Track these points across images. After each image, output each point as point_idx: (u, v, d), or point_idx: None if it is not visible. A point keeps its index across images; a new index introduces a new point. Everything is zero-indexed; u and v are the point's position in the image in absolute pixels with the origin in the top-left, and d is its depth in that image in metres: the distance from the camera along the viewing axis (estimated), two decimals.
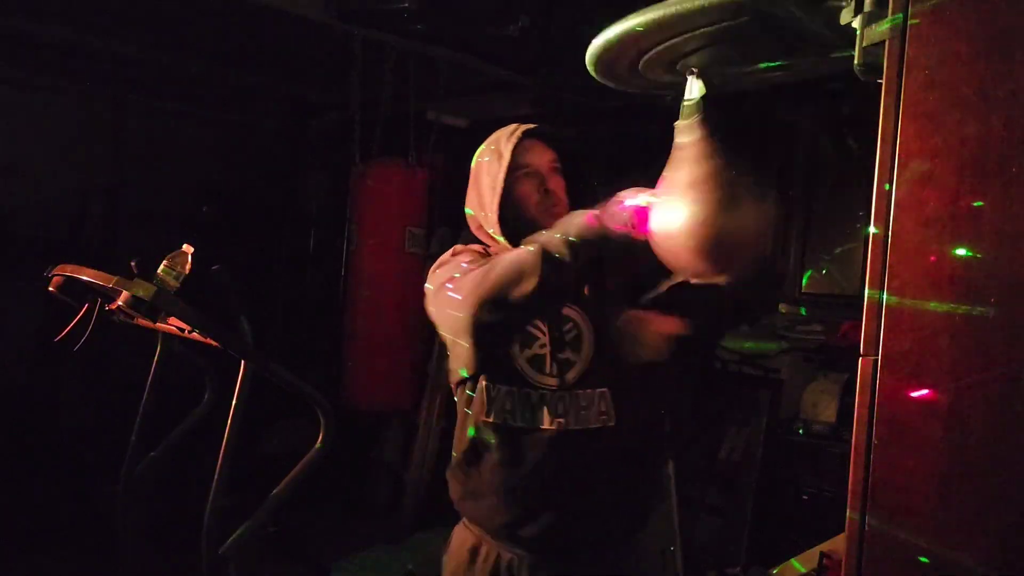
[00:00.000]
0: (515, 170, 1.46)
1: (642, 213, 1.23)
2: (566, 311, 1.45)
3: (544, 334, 1.44)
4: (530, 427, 1.42)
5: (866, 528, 0.74)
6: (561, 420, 1.42)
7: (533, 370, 1.43)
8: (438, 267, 1.50)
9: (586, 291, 1.49)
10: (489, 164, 1.49)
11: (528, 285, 1.25)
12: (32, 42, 3.41)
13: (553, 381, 1.43)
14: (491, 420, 1.44)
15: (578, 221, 1.28)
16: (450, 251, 1.54)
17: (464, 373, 1.49)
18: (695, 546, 3.33)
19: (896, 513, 0.73)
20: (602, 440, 1.43)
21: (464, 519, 1.56)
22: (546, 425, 1.42)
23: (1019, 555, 0.67)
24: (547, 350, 1.44)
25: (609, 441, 1.44)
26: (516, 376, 1.43)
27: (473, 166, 1.55)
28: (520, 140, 1.47)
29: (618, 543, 1.49)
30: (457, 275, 1.39)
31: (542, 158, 1.51)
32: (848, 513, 0.76)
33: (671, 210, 1.20)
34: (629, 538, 1.50)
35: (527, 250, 1.29)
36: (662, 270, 1.36)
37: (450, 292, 1.37)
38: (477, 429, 1.45)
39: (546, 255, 1.26)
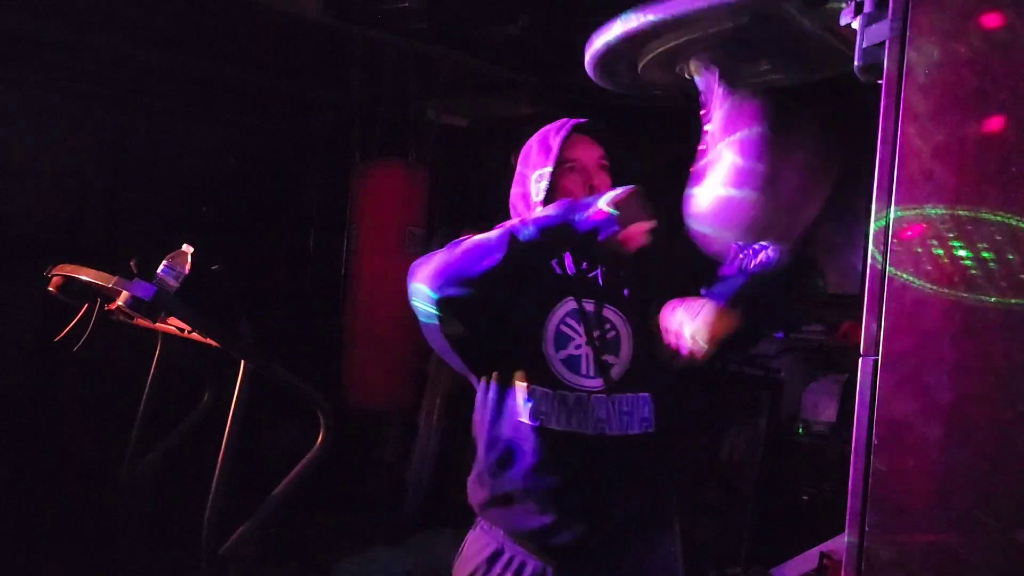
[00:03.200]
0: (562, 164, 1.46)
1: (623, 206, 1.25)
2: (605, 312, 1.44)
3: (580, 335, 1.42)
4: (569, 430, 1.38)
5: (866, 528, 0.74)
6: (602, 424, 1.38)
7: (569, 371, 1.40)
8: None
9: (625, 293, 1.47)
10: (536, 156, 1.48)
11: (491, 260, 1.27)
12: (32, 42, 3.41)
13: (593, 383, 1.40)
14: (528, 422, 1.39)
15: (552, 207, 1.32)
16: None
17: (487, 371, 1.47)
18: (695, 546, 3.32)
19: (896, 513, 0.73)
20: (642, 446, 1.40)
21: (484, 523, 1.51)
22: (586, 429, 1.38)
23: (1019, 555, 0.67)
24: (582, 351, 1.41)
25: (648, 447, 1.41)
26: (552, 378, 1.40)
27: (519, 157, 1.55)
28: (569, 134, 1.46)
29: (646, 549, 1.46)
30: (430, 256, 1.40)
31: (590, 154, 1.50)
32: (848, 513, 0.76)
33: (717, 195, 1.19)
34: (654, 543, 1.48)
35: (496, 231, 1.32)
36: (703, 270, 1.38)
37: (420, 269, 1.37)
38: (513, 431, 1.41)
39: (512, 235, 1.28)
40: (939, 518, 0.71)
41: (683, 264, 1.52)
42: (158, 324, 2.00)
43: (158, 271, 1.85)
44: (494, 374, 1.45)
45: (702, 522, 3.44)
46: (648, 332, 1.42)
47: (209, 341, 1.89)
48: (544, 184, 1.45)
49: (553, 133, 1.48)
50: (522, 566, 1.42)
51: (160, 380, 2.38)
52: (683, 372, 1.48)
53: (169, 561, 2.61)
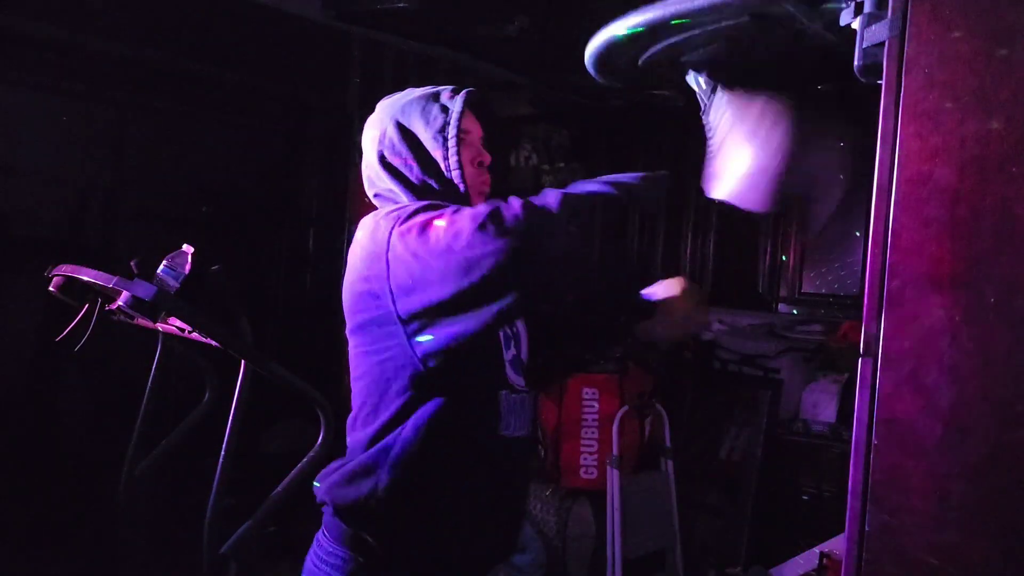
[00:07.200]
0: (458, 132, 1.30)
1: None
2: None
3: (510, 334, 1.35)
4: (491, 433, 1.29)
5: (866, 528, 0.74)
6: (510, 425, 1.30)
7: (514, 373, 1.33)
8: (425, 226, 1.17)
9: None
10: (435, 116, 1.30)
11: (609, 213, 1.17)
12: (32, 42, 3.41)
13: (521, 382, 1.34)
14: (455, 422, 1.25)
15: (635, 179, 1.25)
16: (419, 215, 1.19)
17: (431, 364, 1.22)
18: (695, 546, 3.33)
19: (896, 513, 0.73)
20: (523, 449, 1.35)
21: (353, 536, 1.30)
22: (502, 430, 1.30)
23: (1019, 555, 0.67)
24: (512, 351, 1.34)
25: (527, 451, 1.37)
26: (505, 381, 1.31)
27: (396, 113, 1.34)
28: (464, 106, 1.31)
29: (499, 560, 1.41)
30: (493, 212, 1.11)
31: (477, 130, 1.38)
32: (848, 513, 0.76)
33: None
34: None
35: (600, 183, 1.21)
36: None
37: (497, 223, 1.09)
38: (455, 443, 1.26)
39: (632, 189, 1.22)
40: (939, 518, 0.71)
41: None
42: (158, 324, 2.00)
43: (158, 271, 1.85)
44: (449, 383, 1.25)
45: (702, 522, 3.44)
46: (541, 330, 1.40)
47: (209, 341, 1.89)
48: (453, 143, 1.28)
49: (447, 95, 1.33)
50: None
51: (160, 380, 2.38)
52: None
53: (169, 561, 2.61)
